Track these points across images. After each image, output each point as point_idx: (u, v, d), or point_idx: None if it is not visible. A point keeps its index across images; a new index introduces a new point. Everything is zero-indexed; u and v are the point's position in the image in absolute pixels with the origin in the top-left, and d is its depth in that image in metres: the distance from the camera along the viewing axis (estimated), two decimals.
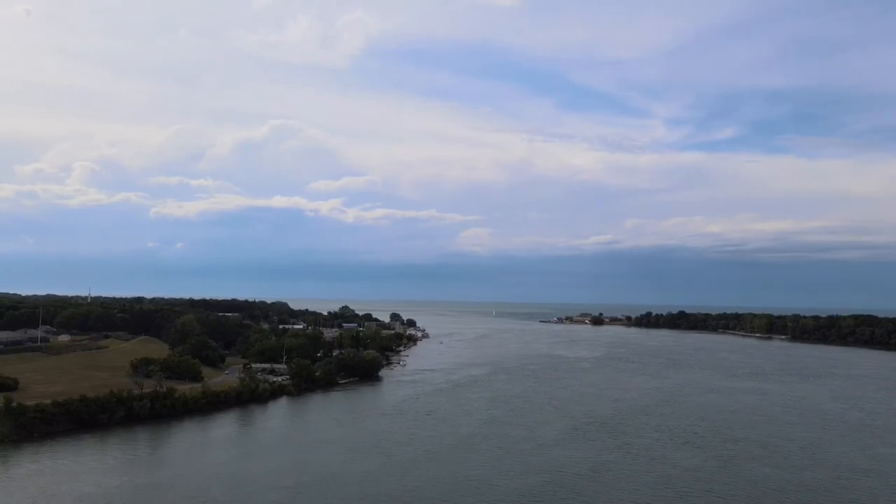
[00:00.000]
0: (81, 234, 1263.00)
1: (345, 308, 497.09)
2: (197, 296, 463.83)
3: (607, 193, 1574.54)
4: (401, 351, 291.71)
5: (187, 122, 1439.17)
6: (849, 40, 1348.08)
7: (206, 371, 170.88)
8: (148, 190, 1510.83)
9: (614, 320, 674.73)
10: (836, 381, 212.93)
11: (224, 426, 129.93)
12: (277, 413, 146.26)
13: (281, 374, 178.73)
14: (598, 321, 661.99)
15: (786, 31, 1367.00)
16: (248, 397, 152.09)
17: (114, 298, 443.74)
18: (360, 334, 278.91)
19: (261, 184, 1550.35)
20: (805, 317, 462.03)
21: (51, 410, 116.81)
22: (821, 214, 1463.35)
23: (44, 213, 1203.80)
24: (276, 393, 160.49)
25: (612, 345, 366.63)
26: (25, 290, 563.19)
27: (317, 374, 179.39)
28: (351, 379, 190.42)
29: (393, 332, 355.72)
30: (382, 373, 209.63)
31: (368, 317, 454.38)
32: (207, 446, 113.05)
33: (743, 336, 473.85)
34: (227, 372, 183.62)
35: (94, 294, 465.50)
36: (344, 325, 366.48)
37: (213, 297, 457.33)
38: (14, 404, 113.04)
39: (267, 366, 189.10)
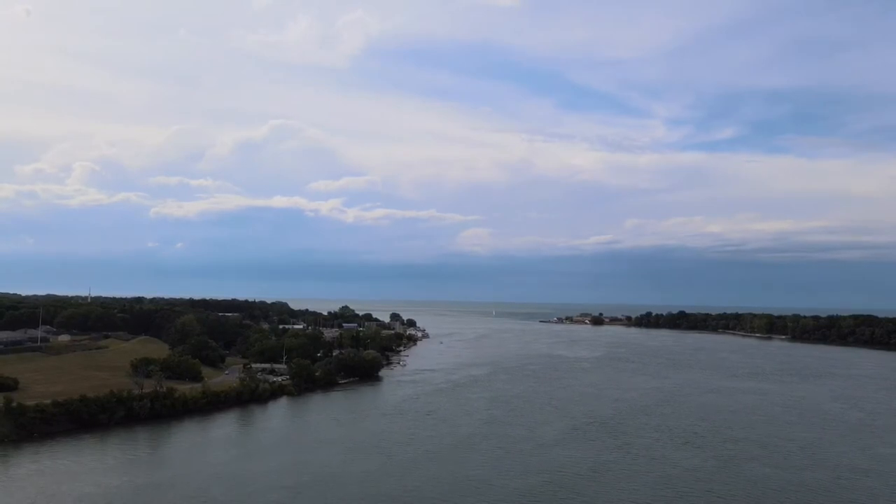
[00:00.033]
0: (81, 234, 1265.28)
1: (345, 308, 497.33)
2: (197, 296, 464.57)
3: (607, 193, 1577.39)
4: (401, 351, 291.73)
5: (187, 122, 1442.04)
6: (849, 40, 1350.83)
7: (206, 371, 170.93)
8: (148, 190, 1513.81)
9: (614, 320, 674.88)
10: (836, 381, 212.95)
11: (224, 426, 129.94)
12: (277, 413, 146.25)
13: (281, 374, 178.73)
14: (598, 321, 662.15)
15: (786, 31, 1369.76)
16: (248, 397, 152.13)
17: (114, 298, 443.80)
18: (360, 334, 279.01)
19: (261, 184, 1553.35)
20: (805, 317, 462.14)
21: (51, 410, 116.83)
22: (821, 214, 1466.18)
23: (44, 213, 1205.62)
24: (276, 393, 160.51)
25: (612, 345, 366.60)
26: (25, 290, 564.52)
27: (317, 374, 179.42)
28: (351, 379, 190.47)
29: (393, 332, 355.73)
30: (382, 373, 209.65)
31: (368, 317, 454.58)
32: (207, 446, 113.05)
33: (743, 336, 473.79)
34: (227, 372, 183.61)
35: (94, 294, 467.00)
36: (344, 325, 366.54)
37: (213, 297, 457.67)
38: (14, 404, 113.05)
39: (267, 366, 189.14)
